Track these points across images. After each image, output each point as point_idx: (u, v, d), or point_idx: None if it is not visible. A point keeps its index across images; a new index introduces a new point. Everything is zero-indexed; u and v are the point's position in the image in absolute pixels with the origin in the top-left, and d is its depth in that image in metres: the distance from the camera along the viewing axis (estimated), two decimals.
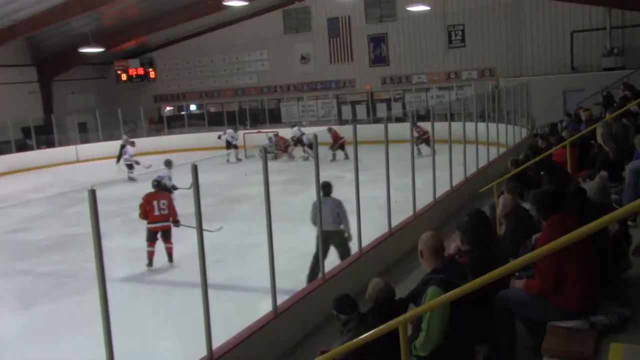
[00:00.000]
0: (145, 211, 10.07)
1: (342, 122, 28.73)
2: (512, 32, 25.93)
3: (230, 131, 24.71)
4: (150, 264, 10.11)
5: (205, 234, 5.56)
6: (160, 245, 10.33)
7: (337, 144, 21.87)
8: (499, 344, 4.36)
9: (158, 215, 10.04)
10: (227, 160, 23.05)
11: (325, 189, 8.46)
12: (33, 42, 28.69)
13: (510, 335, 4.44)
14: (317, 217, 7.86)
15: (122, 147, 25.48)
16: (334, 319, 4.80)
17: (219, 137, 24.68)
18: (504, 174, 9.35)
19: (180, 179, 15.05)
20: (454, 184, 12.28)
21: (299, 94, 31.47)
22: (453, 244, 5.13)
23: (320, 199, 7.83)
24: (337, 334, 4.75)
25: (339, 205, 8.59)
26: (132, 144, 23.35)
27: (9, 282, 10.33)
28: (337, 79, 30.32)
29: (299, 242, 8.86)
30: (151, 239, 10.12)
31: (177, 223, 10.29)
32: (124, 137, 26.36)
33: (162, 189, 10.84)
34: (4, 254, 12.05)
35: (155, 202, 10.05)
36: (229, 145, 24.19)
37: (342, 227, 8.61)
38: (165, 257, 10.41)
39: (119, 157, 25.50)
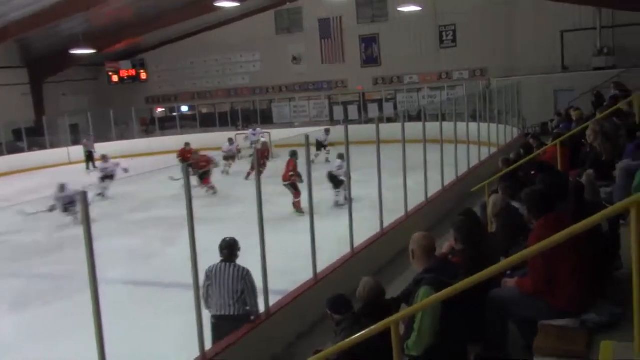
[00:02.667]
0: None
1: (333, 122, 28.73)
2: (503, 32, 25.99)
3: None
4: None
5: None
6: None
7: None
8: (491, 342, 4.37)
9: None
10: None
11: (225, 250, 6.14)
12: (24, 43, 28.57)
13: (503, 334, 4.45)
14: (209, 293, 6.01)
15: (87, 151, 25.18)
16: (327, 319, 4.80)
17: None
18: (495, 174, 9.38)
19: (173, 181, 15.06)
20: (445, 184, 12.30)
21: (290, 95, 31.48)
22: (446, 243, 5.15)
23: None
24: (330, 334, 4.75)
25: (245, 277, 6.04)
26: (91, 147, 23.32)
27: (2, 285, 10.29)
28: (329, 80, 30.35)
29: (291, 242, 8.86)
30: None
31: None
32: (84, 140, 25.99)
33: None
34: None
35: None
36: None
37: (247, 309, 6.18)
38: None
39: (88, 163, 25.16)
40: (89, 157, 24.86)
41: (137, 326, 7.44)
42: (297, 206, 13.43)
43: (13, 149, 27.16)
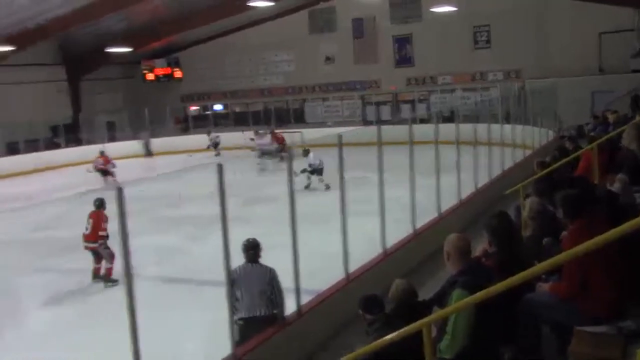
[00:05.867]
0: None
1: (366, 122, 28.71)
2: (538, 33, 25.64)
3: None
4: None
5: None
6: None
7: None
8: (525, 347, 4.33)
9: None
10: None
11: (251, 251, 6.17)
12: (62, 41, 29.13)
13: (536, 338, 4.41)
14: (237, 294, 5.91)
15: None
16: (359, 320, 4.80)
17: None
18: (529, 176, 9.27)
19: (205, 178, 15.20)
20: (479, 186, 12.20)
21: (323, 95, 31.53)
22: (480, 246, 5.10)
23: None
24: (361, 335, 4.75)
25: (271, 279, 6.09)
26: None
27: (38, 279, 10.53)
28: (362, 80, 30.29)
29: (320, 242, 8.87)
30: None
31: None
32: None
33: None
34: (33, 251, 12.23)
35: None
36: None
37: (274, 311, 6.13)
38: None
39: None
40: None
41: (166, 322, 7.53)
42: (109, 274, 10.10)
43: (51, 145, 27.75)
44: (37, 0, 22.46)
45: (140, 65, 33.51)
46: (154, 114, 30.55)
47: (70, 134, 29.38)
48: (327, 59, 30.96)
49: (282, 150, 21.55)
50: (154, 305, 7.72)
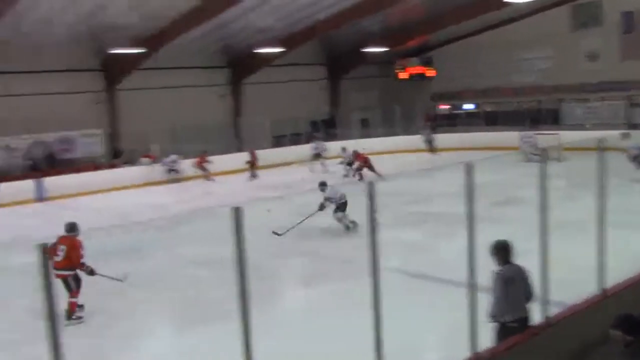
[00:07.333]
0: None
1: (631, 126, 26.17)
2: None
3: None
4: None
5: None
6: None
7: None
8: None
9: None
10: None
11: (502, 252, 6.09)
12: (324, 42, 31.20)
13: None
14: (508, 296, 5.90)
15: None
16: (611, 340, 4.45)
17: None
18: None
19: (456, 178, 15.21)
20: None
21: (583, 95, 29.39)
22: None
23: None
24: (612, 356, 4.41)
25: (526, 275, 6.14)
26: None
27: (294, 262, 11.50)
28: (629, 79, 27.61)
29: (570, 252, 8.35)
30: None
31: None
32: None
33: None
34: (291, 236, 13.26)
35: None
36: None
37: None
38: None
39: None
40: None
41: (406, 316, 7.69)
42: (73, 308, 8.91)
43: (310, 139, 30.00)
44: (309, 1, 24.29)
45: (394, 64, 34.49)
46: (405, 112, 31.25)
47: (328, 128, 31.52)
48: (590, 56, 28.80)
49: (359, 170, 21.57)
50: (396, 298, 7.96)
